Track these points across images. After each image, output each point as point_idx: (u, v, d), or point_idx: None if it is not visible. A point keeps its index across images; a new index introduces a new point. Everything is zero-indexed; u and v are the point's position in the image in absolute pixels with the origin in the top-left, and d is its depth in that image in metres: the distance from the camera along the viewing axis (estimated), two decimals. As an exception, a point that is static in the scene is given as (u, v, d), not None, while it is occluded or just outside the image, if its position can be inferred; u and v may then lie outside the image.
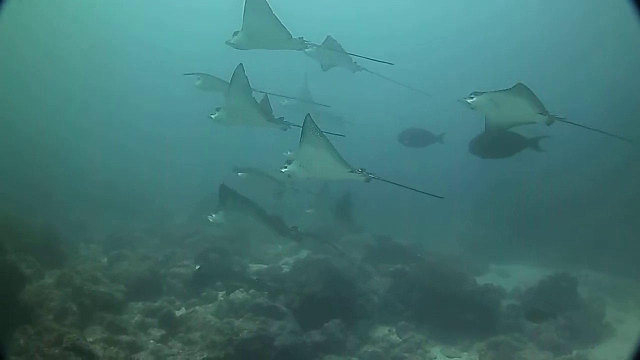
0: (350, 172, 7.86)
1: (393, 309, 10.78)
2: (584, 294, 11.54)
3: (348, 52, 11.22)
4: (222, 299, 10.35)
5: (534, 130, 8.96)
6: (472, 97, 8.22)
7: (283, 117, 9.22)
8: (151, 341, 8.92)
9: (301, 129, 7.62)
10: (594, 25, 23.22)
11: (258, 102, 9.25)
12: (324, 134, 7.62)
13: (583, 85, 21.53)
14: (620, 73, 20.36)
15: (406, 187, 7.77)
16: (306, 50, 10.47)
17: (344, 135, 8.90)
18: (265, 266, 12.97)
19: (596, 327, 10.68)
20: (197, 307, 10.22)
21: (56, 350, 6.93)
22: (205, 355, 8.43)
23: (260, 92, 9.59)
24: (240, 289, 10.30)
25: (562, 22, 24.58)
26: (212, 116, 9.38)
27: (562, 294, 11.22)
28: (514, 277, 13.97)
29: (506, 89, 7.95)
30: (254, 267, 12.72)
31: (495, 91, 8.08)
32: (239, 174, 12.08)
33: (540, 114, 7.96)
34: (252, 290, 10.33)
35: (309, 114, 7.60)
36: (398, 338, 10.06)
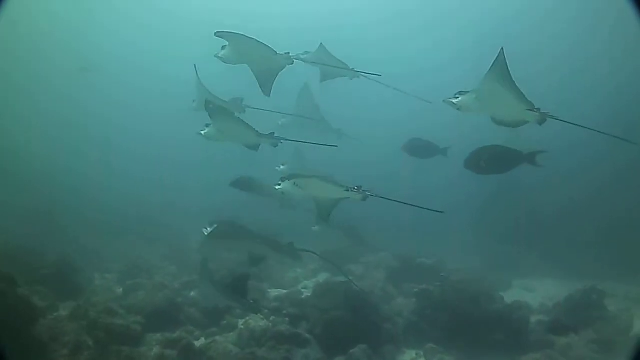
0: (346, 190, 7.75)
1: (419, 332, 10.41)
2: (611, 307, 11.17)
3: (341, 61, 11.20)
4: (242, 327, 9.99)
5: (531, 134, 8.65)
6: (457, 97, 8.01)
7: (274, 132, 9.28)
8: (171, 375, 8.61)
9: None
10: (599, 31, 22.98)
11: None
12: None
13: (586, 92, 21.18)
14: (623, 78, 20.20)
15: (407, 203, 7.61)
16: (301, 56, 10.48)
17: (336, 146, 8.93)
18: (284, 291, 12.70)
19: (626, 340, 10.19)
20: (217, 337, 9.86)
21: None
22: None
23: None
24: (261, 316, 10.01)
25: (566, 30, 24.40)
26: (202, 133, 9.52)
27: (590, 308, 10.88)
28: (538, 292, 13.67)
29: (485, 79, 7.68)
30: (274, 292, 12.44)
31: (480, 90, 7.82)
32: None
33: (529, 110, 7.72)
34: (272, 317, 10.02)
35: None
36: (426, 362, 9.67)
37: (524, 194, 16.14)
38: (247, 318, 9.98)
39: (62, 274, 11.75)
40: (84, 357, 8.43)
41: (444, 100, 8.07)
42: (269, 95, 10.20)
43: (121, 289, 12.01)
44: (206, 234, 9.56)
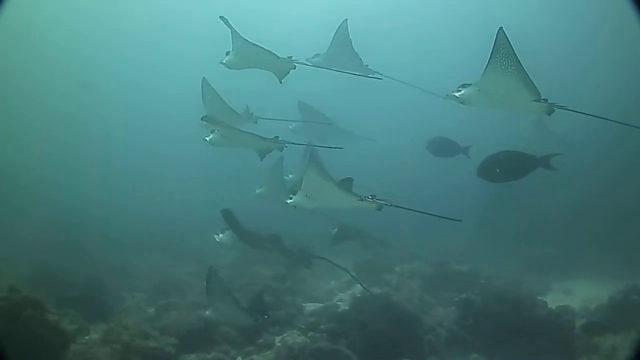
0: (360, 200, 7.53)
1: (462, 342, 9.99)
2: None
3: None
4: (279, 344, 9.68)
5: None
6: (460, 90, 7.76)
7: (278, 136, 9.29)
8: (209, 397, 8.31)
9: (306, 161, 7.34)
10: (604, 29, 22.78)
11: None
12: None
13: (589, 94, 20.81)
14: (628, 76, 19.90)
15: (423, 212, 7.49)
16: (311, 60, 10.72)
17: (342, 148, 8.85)
18: (320, 305, 12.34)
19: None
20: (254, 356, 9.60)
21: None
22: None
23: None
24: (298, 332, 9.73)
25: (569, 31, 24.22)
26: (207, 139, 9.58)
27: (633, 308, 10.43)
28: (577, 294, 13.19)
29: (486, 69, 7.30)
30: (309, 306, 12.07)
31: (483, 80, 7.49)
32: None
33: (536, 100, 7.37)
34: (310, 333, 9.72)
35: (310, 148, 7.22)
36: (472, 373, 9.30)
37: (531, 193, 15.73)
38: (284, 335, 9.65)
39: (91, 295, 11.63)
40: (119, 383, 8.19)
41: (447, 95, 7.87)
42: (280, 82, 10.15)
43: (153, 309, 11.75)
44: (218, 240, 9.75)
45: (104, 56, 30.32)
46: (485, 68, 7.28)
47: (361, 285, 11.28)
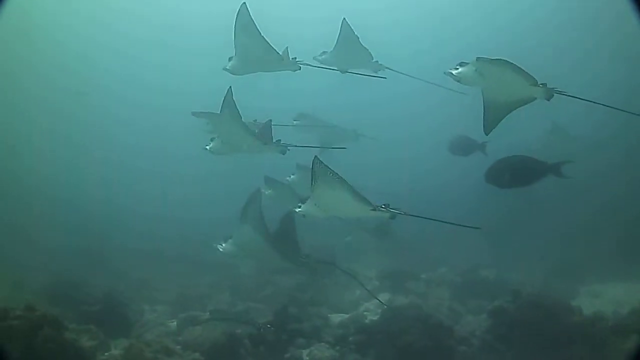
0: (372, 210, 7.26)
1: (496, 352, 9.58)
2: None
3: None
4: (307, 359, 9.38)
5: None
6: (458, 68, 7.64)
7: (280, 140, 9.21)
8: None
9: (312, 170, 7.07)
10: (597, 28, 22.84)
11: (259, 127, 9.41)
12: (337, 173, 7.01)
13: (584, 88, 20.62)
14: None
15: (438, 220, 7.30)
16: (319, 58, 10.59)
17: (345, 148, 9.05)
18: (346, 315, 11.98)
19: None
20: (282, 372, 9.24)
21: None
22: None
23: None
24: (326, 345, 9.43)
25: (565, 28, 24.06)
26: (207, 147, 9.50)
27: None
28: (606, 297, 12.84)
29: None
30: (335, 317, 11.71)
31: (481, 59, 7.38)
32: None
33: (533, 85, 7.34)
34: (338, 347, 9.42)
35: (316, 156, 6.92)
36: (507, 384, 8.92)
37: (551, 194, 15.41)
38: (312, 348, 9.37)
39: (110, 309, 11.27)
40: (143, 402, 7.88)
41: (444, 72, 7.73)
42: None
43: (174, 323, 11.40)
44: (221, 249, 9.32)
45: (106, 54, 30.13)
46: (483, 60, 7.37)
47: (370, 293, 11.31)
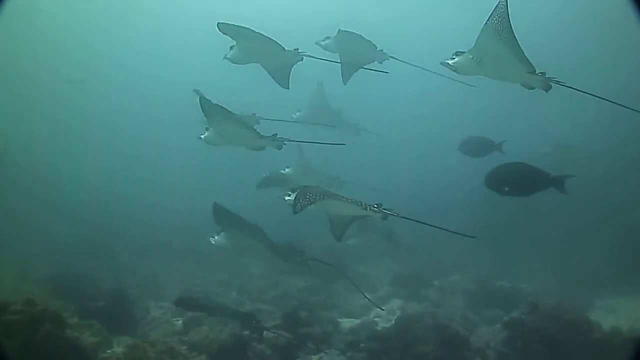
0: (364, 209, 7.06)
1: (513, 366, 9.34)
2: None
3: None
4: (317, 366, 9.12)
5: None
6: (454, 58, 7.53)
7: (277, 134, 8.96)
8: None
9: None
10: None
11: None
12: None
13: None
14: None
15: (435, 226, 6.97)
16: (322, 43, 10.40)
17: (344, 144, 8.62)
18: (357, 321, 11.70)
19: None
20: (291, 378, 8.95)
21: None
22: None
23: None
24: (336, 351, 9.14)
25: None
26: (202, 137, 9.32)
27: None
28: (620, 312, 12.36)
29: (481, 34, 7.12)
30: (346, 322, 11.45)
31: (476, 47, 7.25)
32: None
33: (531, 73, 7.24)
34: (350, 353, 9.12)
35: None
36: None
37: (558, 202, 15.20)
38: (322, 354, 9.08)
39: (115, 305, 10.97)
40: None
41: (441, 63, 7.60)
42: (287, 88, 10.08)
43: (180, 322, 11.07)
44: (213, 242, 9.14)
45: (108, 46, 29.96)
46: (480, 32, 7.14)
47: (367, 298, 10.86)
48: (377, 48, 10.46)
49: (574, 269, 14.11)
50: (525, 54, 7.10)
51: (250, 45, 9.46)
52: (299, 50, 9.61)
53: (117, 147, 28.25)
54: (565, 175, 8.50)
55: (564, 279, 13.91)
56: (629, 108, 7.27)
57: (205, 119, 9.08)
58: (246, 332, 9.46)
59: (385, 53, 10.45)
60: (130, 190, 24.51)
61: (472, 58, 7.40)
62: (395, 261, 15.03)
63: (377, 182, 13.98)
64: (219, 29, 9.15)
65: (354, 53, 10.52)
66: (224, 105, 8.75)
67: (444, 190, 20.71)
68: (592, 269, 13.91)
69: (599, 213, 15.21)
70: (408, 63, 10.22)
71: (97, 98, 29.15)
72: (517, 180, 8.73)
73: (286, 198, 7.36)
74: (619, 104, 7.30)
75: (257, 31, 9.26)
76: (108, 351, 9.06)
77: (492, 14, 6.91)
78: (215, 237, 9.08)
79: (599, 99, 7.32)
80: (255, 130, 9.06)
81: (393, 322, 10.58)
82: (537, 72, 7.24)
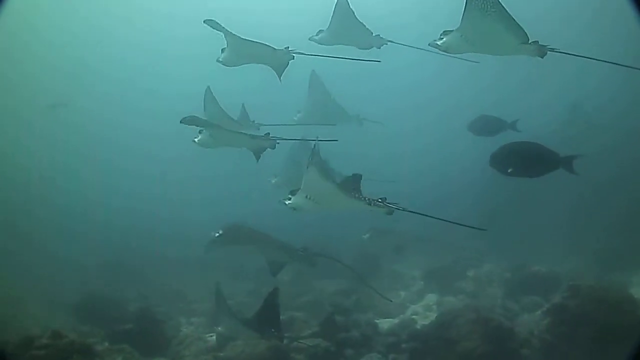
0: (368, 204, 6.74)
1: (559, 353, 8.91)
2: None
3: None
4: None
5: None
6: (442, 39, 7.27)
7: (269, 133, 8.87)
8: None
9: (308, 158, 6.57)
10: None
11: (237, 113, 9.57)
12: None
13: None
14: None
15: (444, 220, 6.70)
16: (315, 38, 10.29)
17: (336, 140, 8.06)
18: (395, 320, 11.46)
19: None
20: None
21: None
22: None
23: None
24: (378, 355, 8.87)
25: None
26: (196, 140, 9.24)
27: None
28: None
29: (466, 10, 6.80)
30: (384, 323, 11.16)
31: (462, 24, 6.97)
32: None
33: (524, 43, 6.88)
34: (392, 355, 8.84)
35: (315, 144, 6.47)
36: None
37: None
38: (363, 359, 8.78)
39: (145, 326, 10.70)
40: None
41: (429, 44, 7.36)
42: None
43: (213, 337, 10.80)
44: (217, 236, 9.22)
45: (101, 58, 29.87)
46: (464, 12, 6.87)
47: (376, 291, 10.54)
48: (372, 34, 10.25)
49: (599, 249, 13.80)
50: (518, 23, 6.81)
51: (240, 49, 9.36)
52: (290, 49, 9.38)
53: (121, 164, 28.12)
54: (574, 154, 8.11)
55: (591, 259, 13.67)
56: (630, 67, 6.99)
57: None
58: (283, 343, 9.23)
59: (382, 38, 10.24)
60: (141, 204, 24.34)
61: (461, 36, 7.18)
62: (423, 255, 14.72)
63: (385, 174, 13.68)
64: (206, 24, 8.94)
65: (350, 41, 10.34)
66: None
67: (452, 177, 20.46)
68: (613, 246, 13.56)
69: (601, 189, 14.89)
70: (410, 46, 9.87)
71: (97, 115, 29.06)
72: (524, 161, 8.33)
73: (286, 202, 7.16)
74: (617, 64, 7.06)
75: (246, 38, 9.21)
76: (142, 376, 8.91)
77: None
78: (219, 233, 9.16)
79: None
80: (247, 131, 9.14)
81: (433, 319, 10.27)
82: (530, 42, 6.95)
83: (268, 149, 8.86)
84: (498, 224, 12.61)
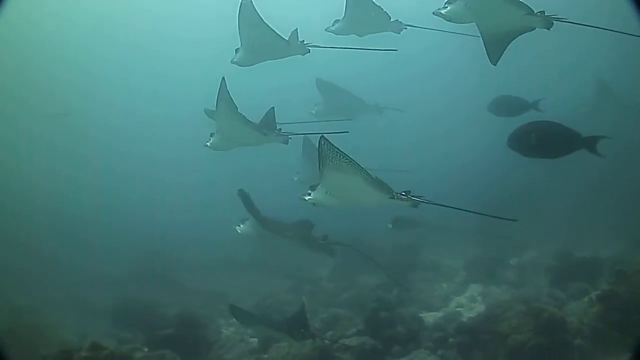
0: (391, 198, 6.51)
1: (612, 342, 8.65)
2: None
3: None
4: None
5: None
6: (446, 7, 7.33)
7: (280, 128, 8.89)
8: None
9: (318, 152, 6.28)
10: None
11: (261, 116, 9.12)
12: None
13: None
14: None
15: (470, 211, 6.68)
16: (332, 28, 10.21)
17: (347, 132, 7.94)
18: (439, 314, 11.22)
19: None
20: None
21: None
22: None
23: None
24: (426, 351, 8.68)
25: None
26: (208, 144, 9.23)
27: None
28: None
29: None
30: (429, 317, 10.88)
31: None
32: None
33: (529, 14, 6.94)
34: (441, 351, 8.65)
35: (322, 136, 6.12)
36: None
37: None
38: (411, 356, 8.63)
39: (185, 330, 10.65)
40: None
41: (434, 13, 7.41)
42: None
43: (255, 339, 10.73)
44: (239, 231, 9.27)
45: (100, 63, 29.54)
46: None
47: (397, 282, 10.95)
48: (390, 19, 10.14)
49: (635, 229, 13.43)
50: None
51: (255, 43, 9.27)
52: (305, 42, 9.32)
53: (128, 170, 28.02)
54: (598, 136, 7.74)
55: (632, 244, 13.18)
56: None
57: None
58: (328, 342, 9.08)
59: (401, 22, 10.10)
60: (163, 213, 24.26)
61: (465, 5, 7.20)
62: (460, 246, 14.46)
63: (402, 164, 13.42)
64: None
65: (368, 28, 10.28)
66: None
67: (471, 164, 20.20)
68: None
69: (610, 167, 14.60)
70: (431, 29, 9.56)
71: (102, 123, 29.04)
72: (544, 139, 7.99)
73: (306, 198, 7.03)
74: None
75: (263, 26, 9.05)
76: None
77: None
78: (241, 226, 9.25)
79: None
80: (259, 127, 8.96)
81: (480, 311, 10.19)
82: (536, 12, 6.93)
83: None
84: (528, 210, 12.45)
